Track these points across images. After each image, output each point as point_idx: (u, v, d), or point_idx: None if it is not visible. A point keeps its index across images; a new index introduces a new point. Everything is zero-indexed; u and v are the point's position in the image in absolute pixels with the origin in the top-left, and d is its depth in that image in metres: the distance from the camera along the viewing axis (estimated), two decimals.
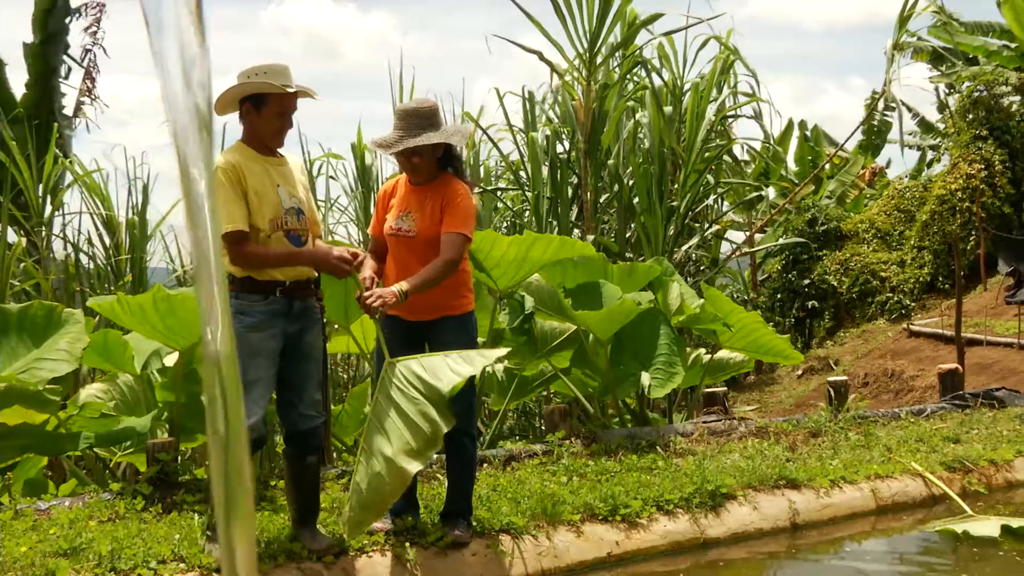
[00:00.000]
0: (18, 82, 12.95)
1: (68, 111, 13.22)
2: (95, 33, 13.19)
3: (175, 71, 0.82)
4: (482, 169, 12.75)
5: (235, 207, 3.94)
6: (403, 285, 4.15)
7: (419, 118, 4.31)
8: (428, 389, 3.91)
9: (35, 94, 12.56)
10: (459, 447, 4.44)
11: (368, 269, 4.37)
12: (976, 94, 16.34)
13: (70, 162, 10.37)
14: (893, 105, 17.96)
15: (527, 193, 11.18)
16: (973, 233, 15.20)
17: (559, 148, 11.34)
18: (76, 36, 13.90)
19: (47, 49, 12.68)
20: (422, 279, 4.19)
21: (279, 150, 4.23)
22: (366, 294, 4.11)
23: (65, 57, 13.27)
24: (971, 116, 16.23)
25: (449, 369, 3.95)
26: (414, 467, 3.87)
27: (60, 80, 13.13)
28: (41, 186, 9.28)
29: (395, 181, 4.58)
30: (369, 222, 5.14)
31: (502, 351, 4.42)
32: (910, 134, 22.31)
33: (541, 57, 10.91)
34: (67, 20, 13.08)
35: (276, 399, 4.28)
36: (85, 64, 13.28)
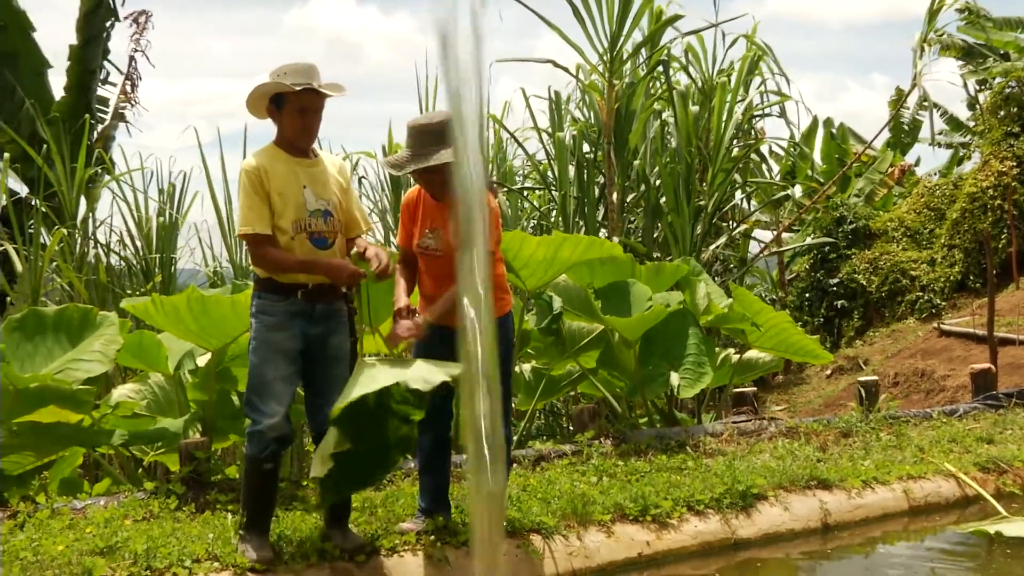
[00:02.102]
0: (57, 85, 13.24)
1: (107, 116, 13.45)
2: (138, 40, 13.41)
3: (463, 72, 0.86)
4: (507, 169, 12.75)
5: (252, 211, 3.99)
6: (427, 316, 4.24)
7: (430, 135, 4.18)
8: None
9: (72, 97, 12.80)
10: None
11: (401, 296, 4.33)
12: (1008, 90, 16.15)
13: (109, 161, 10.51)
14: (925, 102, 17.80)
15: (554, 193, 11.18)
16: (1005, 231, 15.02)
17: (585, 148, 11.32)
18: (122, 42, 14.21)
19: (87, 52, 12.94)
20: (444, 306, 4.20)
21: (315, 150, 4.24)
22: (401, 327, 4.18)
23: (105, 62, 13.52)
24: (1002, 113, 16.04)
25: (372, 376, 3.81)
26: (315, 472, 3.82)
27: (99, 84, 13.37)
28: (76, 187, 9.40)
29: (418, 191, 4.49)
30: (398, 225, 5.14)
31: (440, 377, 3.92)
32: (939, 132, 22.09)
33: (556, 64, 10.90)
34: (108, 24, 13.30)
35: (304, 401, 4.31)
36: (127, 71, 13.52)
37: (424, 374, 3.87)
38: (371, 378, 3.82)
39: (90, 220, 9.92)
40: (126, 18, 13.41)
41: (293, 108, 4.04)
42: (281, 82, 3.99)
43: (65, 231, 8.80)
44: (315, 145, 4.28)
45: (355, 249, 4.20)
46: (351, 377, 3.91)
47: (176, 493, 4.86)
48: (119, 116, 13.50)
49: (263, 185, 4.00)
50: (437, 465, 4.57)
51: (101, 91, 13.57)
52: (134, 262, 9.41)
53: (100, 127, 13.15)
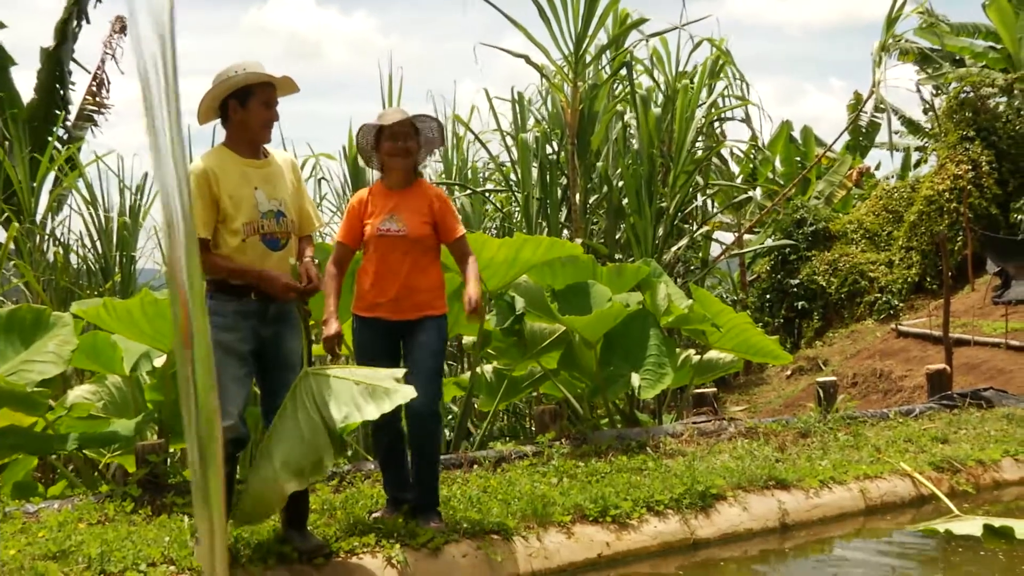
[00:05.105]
0: (22, 81, 13.17)
1: (71, 117, 13.35)
2: (110, 43, 13.29)
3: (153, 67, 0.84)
4: (469, 171, 12.75)
5: (196, 215, 3.94)
6: (474, 292, 4.46)
7: (393, 110, 4.70)
8: (328, 416, 3.83)
9: (41, 98, 12.71)
10: (424, 441, 4.53)
11: (332, 316, 4.43)
12: (963, 95, 16.42)
13: (64, 164, 10.35)
14: (882, 107, 18.04)
15: (516, 194, 11.19)
16: (961, 233, 15.27)
17: (548, 149, 11.35)
18: (88, 43, 14.19)
19: (59, 54, 12.90)
20: (477, 277, 4.56)
21: (266, 149, 4.20)
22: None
23: (72, 63, 13.42)
24: (958, 117, 16.31)
25: (353, 403, 3.86)
26: (292, 488, 3.79)
27: (69, 86, 13.30)
28: (37, 186, 9.27)
29: (367, 192, 4.72)
30: None
31: (410, 392, 3.96)
32: (896, 133, 22.40)
33: (528, 61, 10.93)
34: (77, 26, 13.24)
35: (260, 405, 4.28)
36: (95, 71, 13.39)
37: (383, 396, 3.93)
38: (385, 392, 3.87)
39: (49, 219, 9.79)
40: (113, 23, 13.35)
41: (261, 100, 4.03)
42: (256, 73, 3.97)
43: (21, 229, 8.66)
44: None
45: (292, 260, 4.19)
46: (325, 389, 3.89)
47: (132, 496, 4.79)
48: (86, 117, 13.36)
49: (211, 189, 3.96)
50: (396, 455, 4.71)
51: (68, 92, 13.48)
52: (93, 262, 9.29)
53: (68, 128, 13.04)
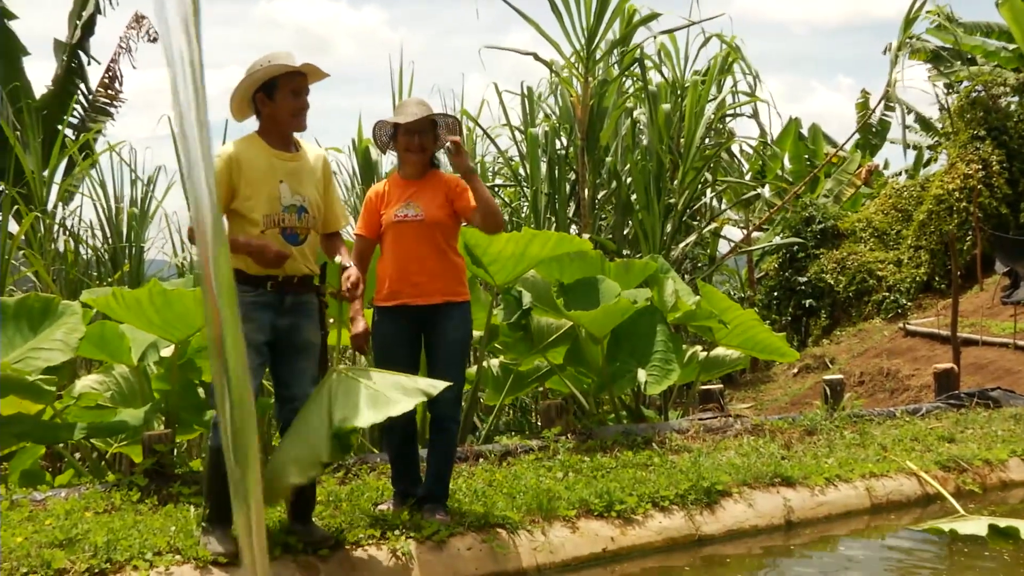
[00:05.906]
0: (32, 72, 13.22)
1: (86, 108, 13.39)
2: (125, 39, 13.33)
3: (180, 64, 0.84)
4: (478, 166, 12.75)
5: None
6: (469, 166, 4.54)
7: (411, 104, 4.69)
8: (333, 414, 3.81)
9: (56, 87, 12.78)
10: (444, 433, 4.58)
11: (359, 313, 4.44)
12: (974, 94, 16.35)
13: (78, 155, 10.38)
14: (893, 105, 17.99)
15: (525, 189, 11.18)
16: (970, 233, 15.22)
17: (557, 144, 11.33)
18: (105, 38, 14.21)
19: (76, 47, 12.96)
20: (482, 185, 4.56)
21: (299, 143, 4.22)
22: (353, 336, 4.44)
23: (83, 53, 13.47)
24: (969, 116, 16.24)
25: (356, 407, 3.81)
26: (295, 480, 3.76)
27: (83, 78, 13.35)
28: (48, 175, 9.29)
29: (383, 184, 4.77)
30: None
31: (408, 405, 3.90)
32: (907, 128, 22.34)
33: (536, 57, 10.91)
34: (92, 18, 13.29)
35: (274, 394, 4.28)
36: (108, 64, 13.43)
37: (407, 396, 3.91)
38: (387, 400, 3.83)
39: (60, 208, 9.81)
40: (130, 20, 13.40)
41: (288, 90, 4.05)
42: (275, 64, 4.00)
43: (35, 216, 8.68)
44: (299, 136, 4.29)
45: (338, 258, 4.22)
46: (346, 390, 3.88)
47: (138, 485, 4.81)
48: (99, 109, 13.40)
49: (230, 176, 3.97)
50: (406, 454, 4.73)
51: (82, 84, 13.53)
52: (103, 252, 9.31)
53: (81, 118, 13.09)
